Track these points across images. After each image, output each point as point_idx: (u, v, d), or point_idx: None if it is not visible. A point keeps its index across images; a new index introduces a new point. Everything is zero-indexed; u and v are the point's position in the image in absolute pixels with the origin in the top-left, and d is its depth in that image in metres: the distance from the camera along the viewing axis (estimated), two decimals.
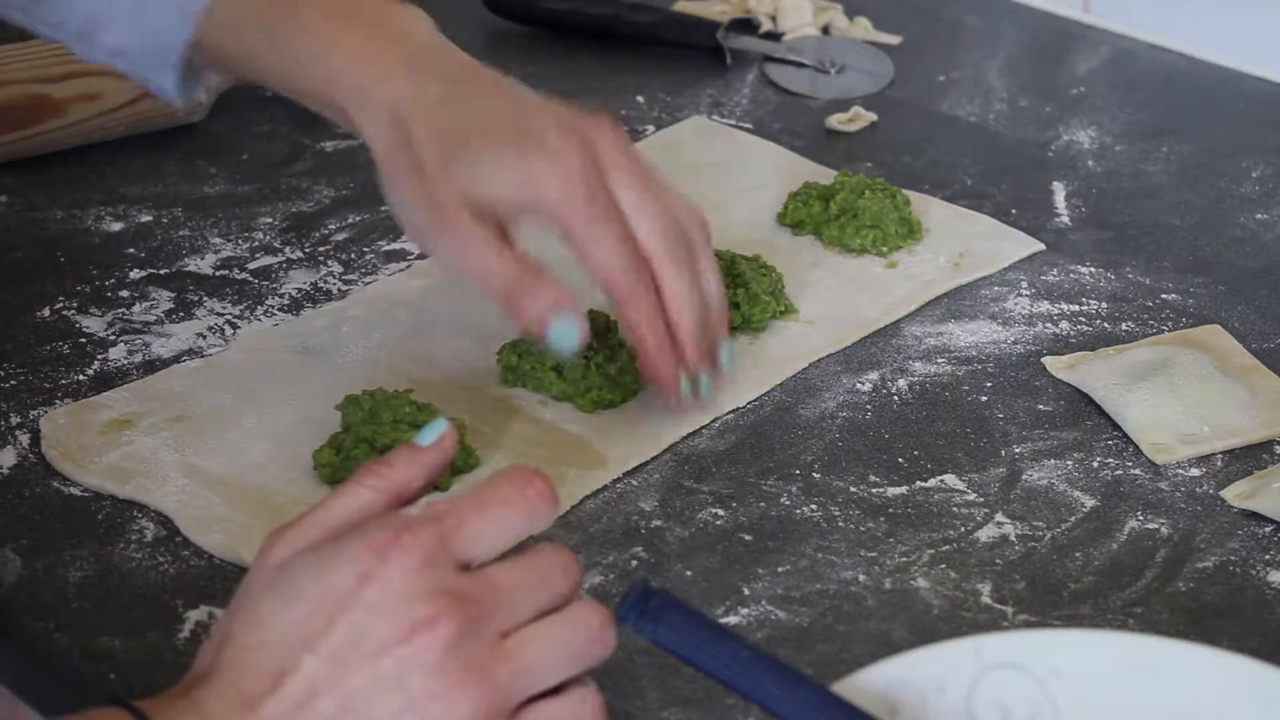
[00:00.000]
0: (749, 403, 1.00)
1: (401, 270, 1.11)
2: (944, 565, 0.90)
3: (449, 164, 0.89)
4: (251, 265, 1.11)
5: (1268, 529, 0.92)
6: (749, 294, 1.04)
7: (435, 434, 0.75)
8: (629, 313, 0.92)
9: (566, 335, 0.90)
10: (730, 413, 0.99)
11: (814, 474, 0.95)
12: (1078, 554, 0.90)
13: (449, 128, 0.90)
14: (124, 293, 1.08)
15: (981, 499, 0.94)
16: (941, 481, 0.95)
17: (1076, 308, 1.08)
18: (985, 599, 0.88)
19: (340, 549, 0.69)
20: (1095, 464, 0.96)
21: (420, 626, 0.68)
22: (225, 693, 0.68)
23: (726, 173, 1.20)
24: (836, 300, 1.08)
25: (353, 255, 1.12)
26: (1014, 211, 1.17)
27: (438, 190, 0.90)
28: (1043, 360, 1.03)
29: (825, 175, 1.18)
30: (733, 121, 1.27)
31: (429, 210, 0.90)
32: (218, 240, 1.14)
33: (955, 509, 0.93)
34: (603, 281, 0.91)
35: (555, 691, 0.71)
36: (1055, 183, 1.21)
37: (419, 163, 0.90)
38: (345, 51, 0.92)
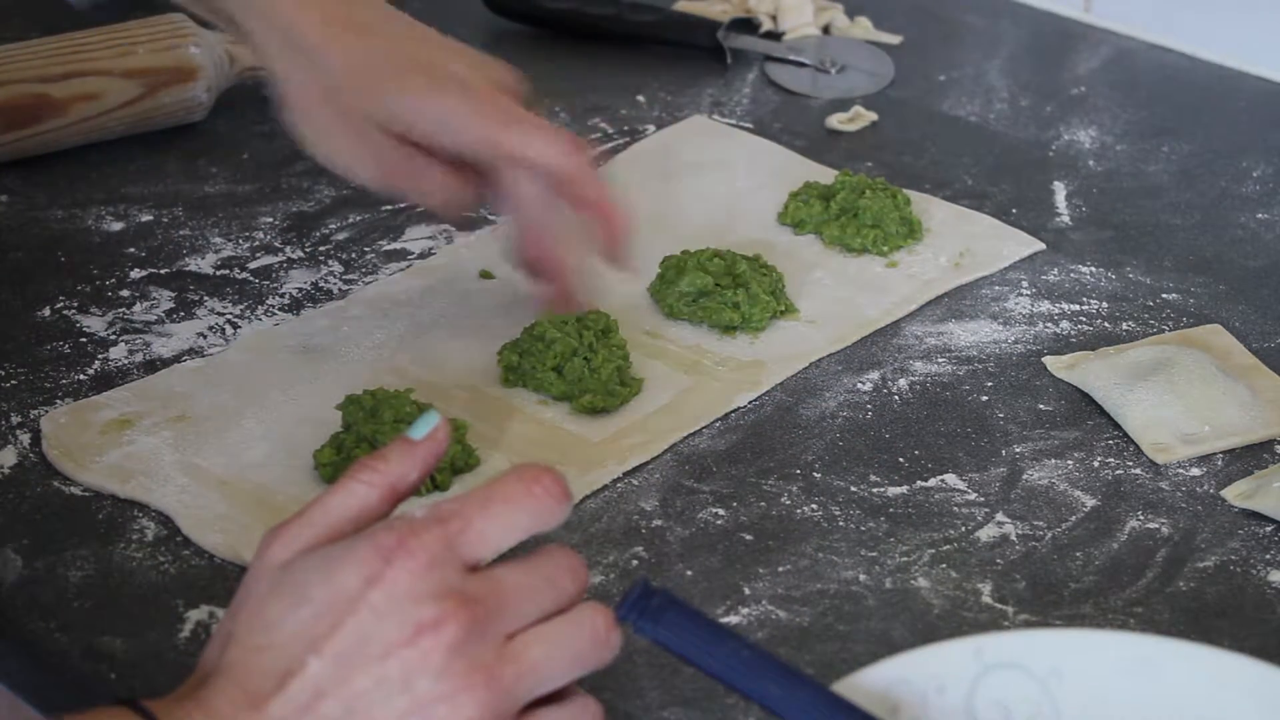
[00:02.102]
0: (749, 402, 1.00)
1: (402, 270, 1.11)
2: (944, 565, 0.89)
3: (366, 93, 0.95)
4: (252, 265, 1.11)
5: (1268, 528, 0.92)
6: (749, 294, 1.04)
7: (428, 427, 0.74)
8: (587, 185, 0.96)
9: None
10: (731, 412, 0.99)
11: (814, 474, 0.95)
12: (1078, 554, 0.90)
13: (364, 59, 0.95)
14: (124, 292, 1.08)
15: (982, 498, 0.94)
16: (942, 481, 0.95)
17: (1077, 307, 1.08)
18: (986, 599, 0.88)
19: (346, 551, 0.69)
20: (1096, 463, 0.96)
21: (425, 629, 0.68)
22: (231, 693, 0.68)
23: (726, 173, 1.20)
24: (837, 300, 1.08)
25: (353, 255, 1.12)
26: (1014, 211, 1.17)
27: (353, 113, 0.95)
28: (1043, 360, 1.03)
29: (826, 175, 1.18)
30: (733, 121, 1.27)
31: (343, 127, 0.95)
32: (218, 240, 1.14)
33: (956, 508, 0.93)
34: (551, 169, 0.95)
35: (558, 699, 0.71)
36: (1056, 182, 1.21)
37: (334, 88, 0.95)
38: None
